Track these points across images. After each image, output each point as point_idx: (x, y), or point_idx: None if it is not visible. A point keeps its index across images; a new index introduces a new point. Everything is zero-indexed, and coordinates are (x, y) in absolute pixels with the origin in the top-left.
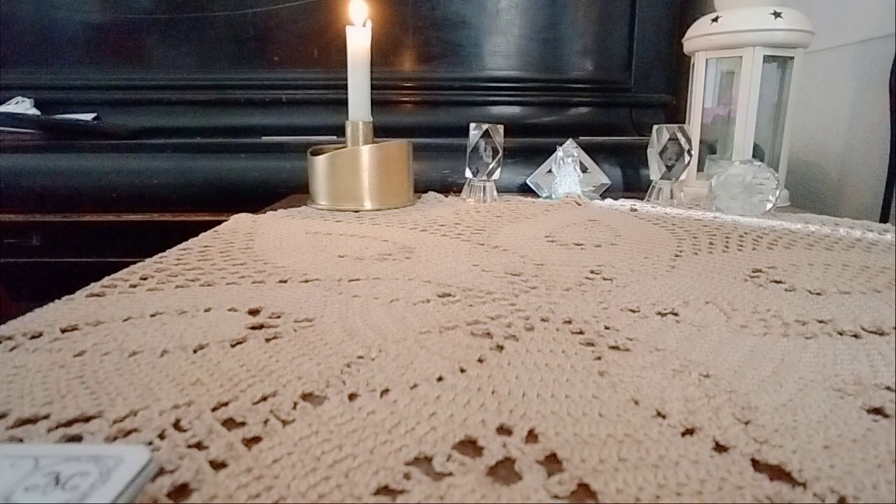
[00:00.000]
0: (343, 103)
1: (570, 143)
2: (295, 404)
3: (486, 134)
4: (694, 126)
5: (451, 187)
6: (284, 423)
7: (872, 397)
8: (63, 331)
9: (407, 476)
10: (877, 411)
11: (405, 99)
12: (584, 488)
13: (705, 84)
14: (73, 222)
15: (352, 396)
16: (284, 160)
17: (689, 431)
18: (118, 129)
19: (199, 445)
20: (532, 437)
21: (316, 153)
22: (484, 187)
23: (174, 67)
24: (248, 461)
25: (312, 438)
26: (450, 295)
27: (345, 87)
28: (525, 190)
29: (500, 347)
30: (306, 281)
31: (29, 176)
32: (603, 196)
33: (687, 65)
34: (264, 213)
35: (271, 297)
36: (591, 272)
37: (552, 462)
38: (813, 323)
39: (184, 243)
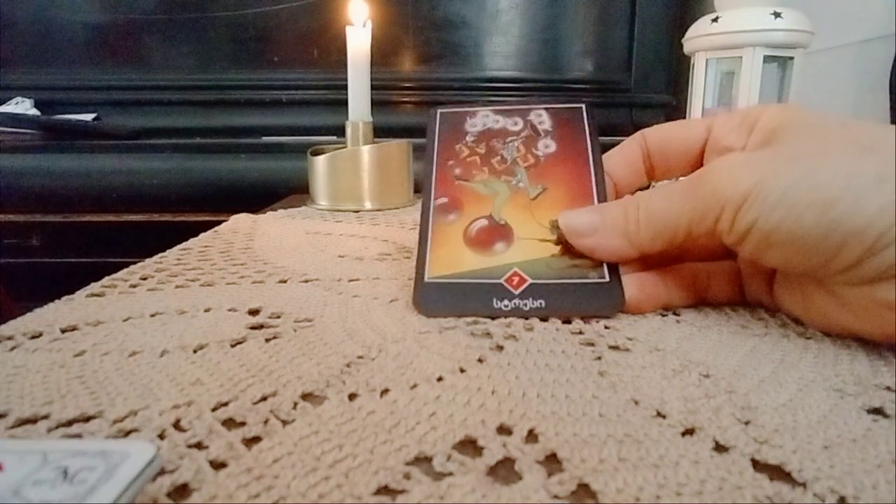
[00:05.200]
0: (343, 103)
1: None
2: (295, 404)
3: None
4: None
5: None
6: (284, 422)
7: (872, 397)
8: (63, 331)
9: (407, 476)
10: (877, 411)
11: (405, 99)
12: (584, 488)
13: (705, 84)
14: (73, 222)
15: (352, 396)
16: (284, 160)
17: (689, 431)
18: (118, 129)
19: (199, 445)
20: (532, 436)
21: (316, 153)
22: None
23: (174, 67)
24: (248, 461)
25: (312, 438)
26: None
27: (345, 87)
28: None
29: (500, 347)
30: (306, 281)
31: (29, 176)
32: None
33: (687, 65)
34: (264, 213)
35: (271, 297)
36: None
37: (552, 462)
38: None
39: (184, 243)
